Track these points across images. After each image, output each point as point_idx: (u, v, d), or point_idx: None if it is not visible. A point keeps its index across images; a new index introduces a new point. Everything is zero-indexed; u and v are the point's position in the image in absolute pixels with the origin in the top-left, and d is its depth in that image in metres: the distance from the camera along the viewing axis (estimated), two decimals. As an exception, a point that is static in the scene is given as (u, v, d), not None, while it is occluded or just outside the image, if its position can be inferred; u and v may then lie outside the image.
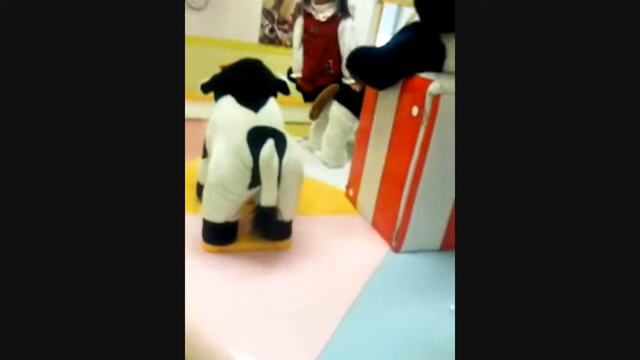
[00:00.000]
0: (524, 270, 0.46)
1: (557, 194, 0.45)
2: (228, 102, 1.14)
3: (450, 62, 1.10)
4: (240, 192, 1.02)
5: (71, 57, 0.44)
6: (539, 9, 0.46)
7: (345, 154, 1.87)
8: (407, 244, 1.20)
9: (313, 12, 1.77)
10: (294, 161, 1.05)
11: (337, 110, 1.81)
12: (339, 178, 1.63)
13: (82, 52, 0.45)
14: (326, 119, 1.87)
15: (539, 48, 0.47)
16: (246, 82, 1.18)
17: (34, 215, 0.43)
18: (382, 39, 2.63)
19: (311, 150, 2.02)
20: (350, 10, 1.84)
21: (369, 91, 1.36)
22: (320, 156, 1.89)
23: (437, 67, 1.11)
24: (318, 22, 1.77)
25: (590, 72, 0.45)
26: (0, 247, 0.42)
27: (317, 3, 1.75)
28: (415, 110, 1.08)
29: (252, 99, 1.12)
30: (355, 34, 1.77)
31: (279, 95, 1.30)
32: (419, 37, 1.11)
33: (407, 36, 1.15)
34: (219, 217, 1.06)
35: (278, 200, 1.04)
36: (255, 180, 1.01)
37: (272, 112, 1.13)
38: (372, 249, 1.23)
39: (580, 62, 0.45)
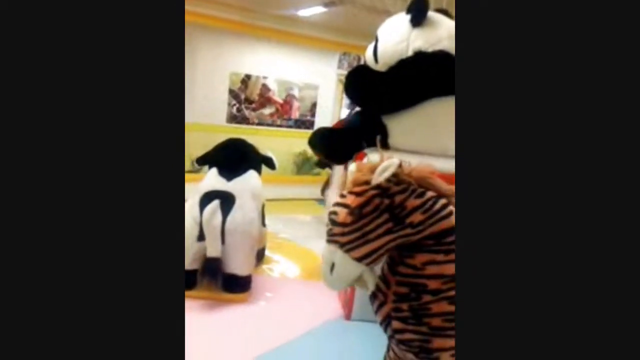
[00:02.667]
0: None
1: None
2: (211, 173, 1.39)
3: (393, 140, 1.18)
4: (192, 242, 1.20)
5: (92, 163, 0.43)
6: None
7: None
8: (355, 313, 1.23)
9: None
10: (241, 221, 1.23)
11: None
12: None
13: (99, 153, 0.43)
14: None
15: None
16: (226, 157, 1.44)
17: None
18: (344, 113, 2.66)
19: None
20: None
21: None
22: None
23: (384, 143, 1.19)
24: None
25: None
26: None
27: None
28: (357, 180, 1.15)
29: (231, 171, 1.37)
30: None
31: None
32: (364, 120, 1.25)
33: (355, 119, 1.32)
34: None
35: (224, 254, 1.21)
36: (202, 234, 1.19)
37: (245, 182, 1.36)
38: (326, 313, 1.30)
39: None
